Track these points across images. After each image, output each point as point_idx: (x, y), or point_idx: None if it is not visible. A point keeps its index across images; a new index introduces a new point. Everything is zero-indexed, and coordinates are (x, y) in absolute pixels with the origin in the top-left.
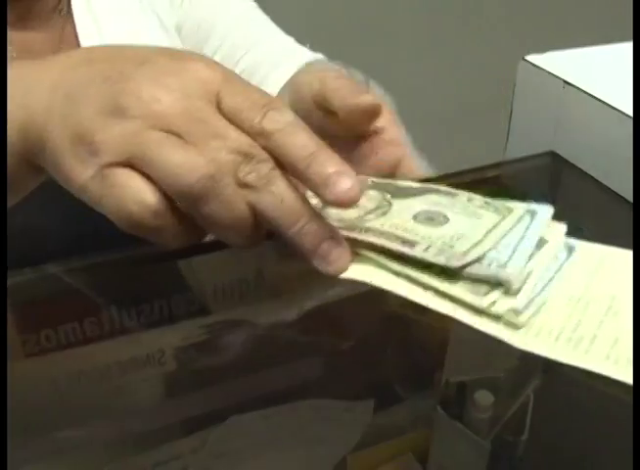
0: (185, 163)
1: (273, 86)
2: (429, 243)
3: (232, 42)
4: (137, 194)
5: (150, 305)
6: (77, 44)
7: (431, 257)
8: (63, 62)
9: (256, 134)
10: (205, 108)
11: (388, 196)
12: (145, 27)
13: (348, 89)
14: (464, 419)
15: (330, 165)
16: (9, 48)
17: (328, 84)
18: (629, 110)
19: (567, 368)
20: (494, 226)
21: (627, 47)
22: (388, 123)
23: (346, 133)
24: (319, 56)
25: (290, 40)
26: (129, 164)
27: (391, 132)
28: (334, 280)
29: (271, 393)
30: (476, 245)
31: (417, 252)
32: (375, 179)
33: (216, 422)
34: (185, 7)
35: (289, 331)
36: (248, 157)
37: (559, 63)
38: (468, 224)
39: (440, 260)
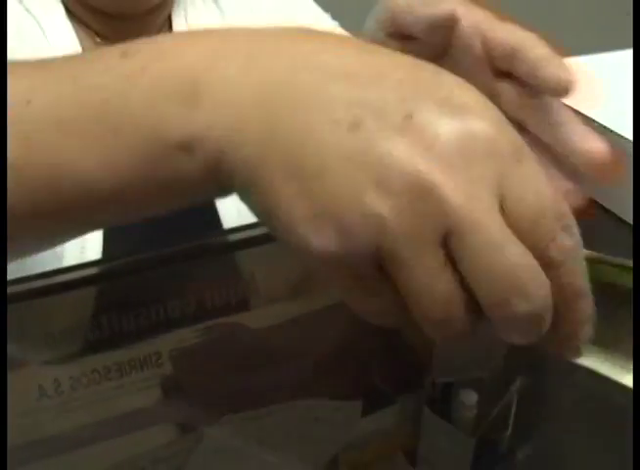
0: (440, 294)
1: None
2: None
3: None
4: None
5: (147, 308)
6: None
7: None
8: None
9: (538, 258)
10: (491, 209)
11: None
12: None
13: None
14: (450, 417)
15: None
16: None
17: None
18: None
19: (549, 367)
20: None
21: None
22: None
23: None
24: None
25: None
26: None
27: (468, 18)
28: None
29: (263, 393)
30: None
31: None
32: None
33: (210, 422)
34: None
35: (281, 333)
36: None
37: None
38: None
39: None
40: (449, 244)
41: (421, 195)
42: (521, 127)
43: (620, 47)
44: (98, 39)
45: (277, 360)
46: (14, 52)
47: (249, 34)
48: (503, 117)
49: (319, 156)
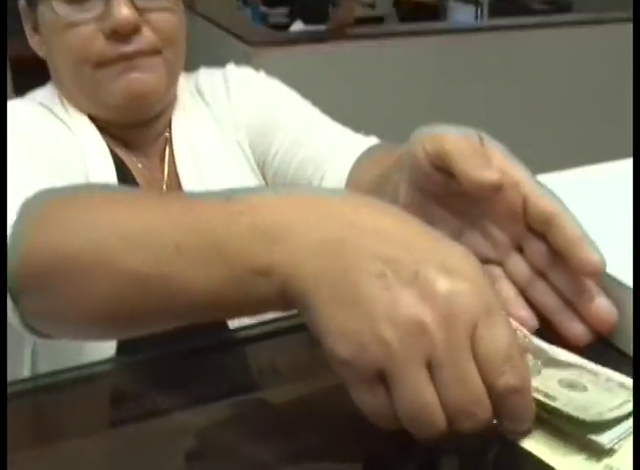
0: (424, 405)
1: (338, 165)
2: (568, 401)
3: (294, 137)
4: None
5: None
6: (175, 166)
7: (570, 410)
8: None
9: (489, 387)
10: (464, 348)
11: (539, 363)
12: (232, 162)
13: (470, 158)
14: None
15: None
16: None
17: (445, 145)
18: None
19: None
20: (623, 402)
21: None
22: (504, 169)
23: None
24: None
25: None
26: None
27: (509, 176)
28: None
29: (276, 461)
30: (610, 410)
31: (558, 404)
32: (534, 341)
33: None
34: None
35: (298, 407)
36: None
37: None
38: (604, 396)
39: (578, 415)
40: (432, 368)
41: (417, 331)
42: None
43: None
44: (113, 142)
45: (294, 432)
46: (56, 157)
47: (312, 200)
48: (483, 279)
49: (354, 292)
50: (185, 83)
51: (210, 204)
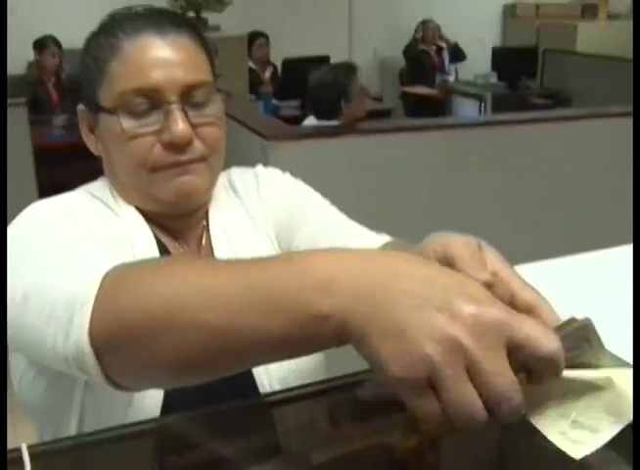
0: (468, 402)
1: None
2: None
3: (313, 234)
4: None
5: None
6: (211, 250)
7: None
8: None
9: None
10: (496, 346)
11: None
12: (262, 249)
13: (469, 261)
14: None
15: None
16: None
17: (451, 249)
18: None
19: None
20: None
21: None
22: (496, 269)
23: None
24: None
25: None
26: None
27: (500, 275)
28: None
29: None
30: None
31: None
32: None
33: None
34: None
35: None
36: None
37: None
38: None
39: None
40: (470, 372)
41: (453, 344)
42: None
43: None
44: (156, 229)
45: None
46: (108, 240)
47: (358, 254)
48: (499, 304)
49: (398, 322)
50: (220, 181)
51: (273, 262)
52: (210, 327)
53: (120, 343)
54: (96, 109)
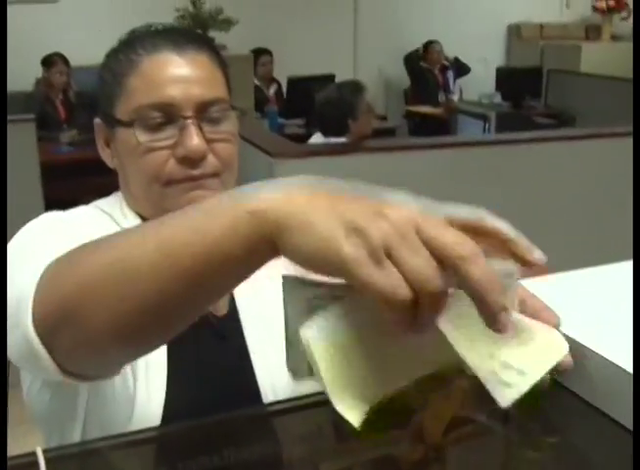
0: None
1: None
2: None
3: None
4: (400, 282)
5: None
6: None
7: None
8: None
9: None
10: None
11: None
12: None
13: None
14: None
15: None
16: None
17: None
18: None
19: None
20: None
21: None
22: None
23: None
24: None
25: None
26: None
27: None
28: None
29: None
30: None
31: None
32: None
33: None
34: None
35: None
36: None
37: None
38: None
39: None
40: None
41: (404, 215)
42: None
43: None
44: None
45: None
46: None
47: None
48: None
49: (344, 208)
50: None
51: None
52: (148, 267)
53: (63, 317)
54: (112, 122)
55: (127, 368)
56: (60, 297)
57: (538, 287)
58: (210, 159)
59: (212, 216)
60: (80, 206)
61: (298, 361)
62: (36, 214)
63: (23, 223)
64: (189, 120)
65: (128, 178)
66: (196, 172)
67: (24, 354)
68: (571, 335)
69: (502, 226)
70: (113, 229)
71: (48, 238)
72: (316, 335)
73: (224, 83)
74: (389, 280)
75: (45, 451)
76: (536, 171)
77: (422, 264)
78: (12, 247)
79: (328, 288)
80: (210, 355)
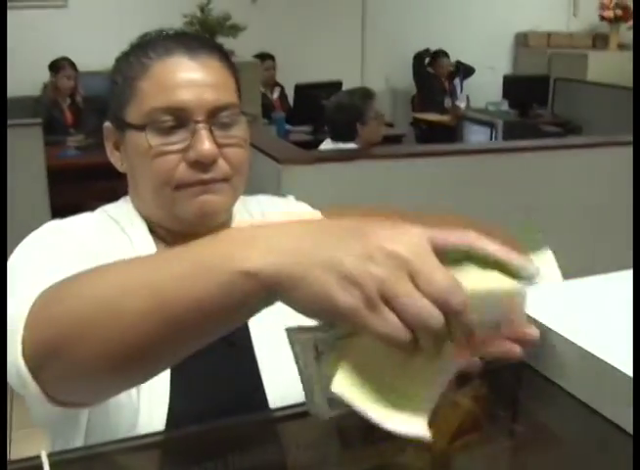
0: (423, 307)
1: None
2: None
3: None
4: (398, 325)
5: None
6: None
7: None
8: (294, 225)
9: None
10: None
11: None
12: None
13: None
14: None
15: None
16: None
17: None
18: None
19: None
20: None
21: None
22: None
23: None
24: None
25: None
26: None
27: None
28: None
29: None
30: None
31: None
32: None
33: None
34: None
35: None
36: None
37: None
38: None
39: None
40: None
41: (392, 256)
42: None
43: None
44: (163, 247)
45: None
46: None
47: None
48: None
49: (334, 258)
50: (241, 204)
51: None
52: (139, 314)
53: (52, 353)
54: (123, 125)
55: None
56: (48, 335)
57: (543, 294)
58: (221, 163)
59: (207, 271)
60: (86, 212)
61: (319, 403)
62: (43, 218)
63: (30, 227)
64: (200, 125)
65: (138, 182)
66: (206, 176)
67: (14, 380)
68: (573, 340)
69: (490, 249)
70: (118, 237)
71: (43, 259)
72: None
73: (235, 89)
74: (388, 325)
75: (50, 455)
76: (543, 179)
77: (417, 307)
78: (10, 264)
79: (330, 329)
80: (218, 362)
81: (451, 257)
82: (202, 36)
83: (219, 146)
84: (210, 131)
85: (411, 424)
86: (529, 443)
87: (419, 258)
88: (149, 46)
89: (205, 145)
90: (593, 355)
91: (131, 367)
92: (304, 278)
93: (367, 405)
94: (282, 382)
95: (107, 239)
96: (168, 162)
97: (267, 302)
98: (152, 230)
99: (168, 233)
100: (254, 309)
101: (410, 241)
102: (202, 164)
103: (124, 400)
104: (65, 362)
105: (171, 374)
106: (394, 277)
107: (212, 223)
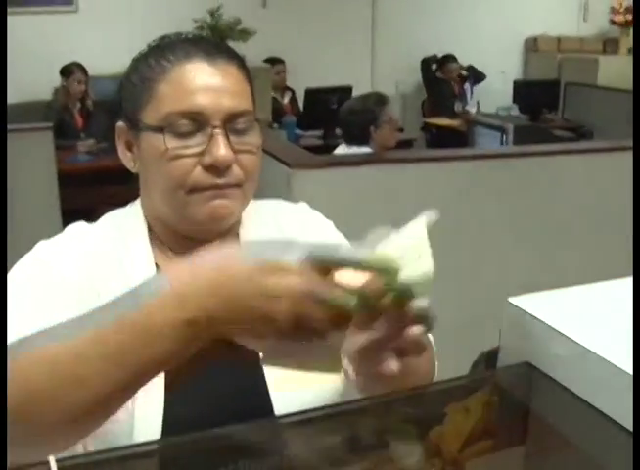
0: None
1: None
2: None
3: None
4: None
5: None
6: None
7: None
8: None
9: None
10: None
11: None
12: None
13: None
14: None
15: None
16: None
17: None
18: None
19: None
20: None
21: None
22: None
23: None
24: None
25: None
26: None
27: None
28: None
29: None
30: None
31: None
32: None
33: None
34: None
35: None
36: None
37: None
38: None
39: None
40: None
41: (298, 294)
42: None
43: None
44: (171, 253)
45: None
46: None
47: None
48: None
49: (263, 293)
50: (252, 209)
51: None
52: (96, 376)
53: (11, 417)
54: (139, 126)
55: None
56: (8, 399)
57: (558, 299)
58: (235, 169)
59: (156, 327)
60: (87, 225)
61: None
62: (53, 222)
63: (41, 231)
64: (218, 130)
65: (150, 183)
66: (220, 181)
67: None
68: (586, 345)
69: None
70: (113, 257)
71: (22, 298)
72: None
73: (250, 95)
74: (306, 334)
75: (58, 461)
76: (554, 184)
77: (324, 321)
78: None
79: None
80: (218, 368)
81: None
82: (220, 42)
83: (234, 152)
84: (227, 137)
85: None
86: (542, 449)
87: (311, 292)
88: (168, 49)
89: (222, 150)
90: (605, 361)
91: (92, 417)
92: (233, 323)
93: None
94: (288, 388)
95: (96, 266)
96: (184, 165)
97: (209, 338)
98: (155, 238)
99: (173, 239)
100: (199, 345)
101: (307, 275)
102: (217, 169)
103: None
104: (25, 426)
105: (166, 379)
106: (300, 308)
107: (221, 227)
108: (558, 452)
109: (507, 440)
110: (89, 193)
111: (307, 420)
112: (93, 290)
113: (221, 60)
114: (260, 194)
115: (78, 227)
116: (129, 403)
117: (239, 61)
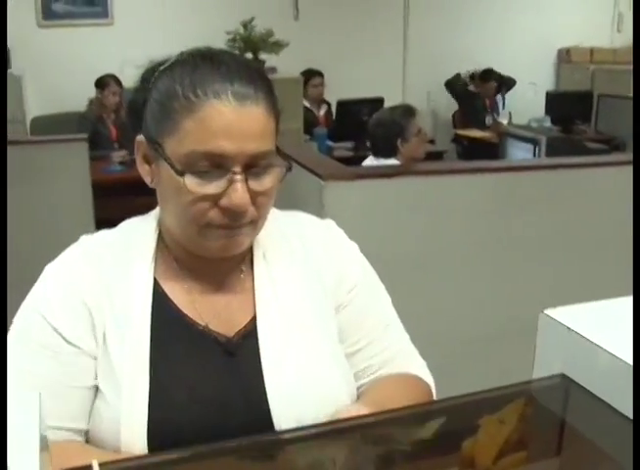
0: None
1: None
2: None
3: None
4: None
5: None
6: (253, 293)
7: None
8: None
9: None
10: None
11: None
12: (310, 297)
13: None
14: None
15: None
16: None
17: None
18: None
19: None
20: None
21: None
22: None
23: None
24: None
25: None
26: None
27: None
28: None
29: None
30: None
31: None
32: None
33: None
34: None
35: None
36: None
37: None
38: None
39: None
40: None
41: None
42: None
43: None
44: (175, 265)
45: None
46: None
47: None
48: None
49: None
50: (274, 223)
51: None
52: None
53: None
54: (158, 151)
55: (112, 386)
56: None
57: (592, 312)
58: (250, 209)
59: None
60: (95, 235)
61: None
62: (87, 231)
63: (75, 240)
64: (238, 176)
65: (165, 206)
66: (235, 223)
67: None
68: (620, 357)
69: None
70: (119, 261)
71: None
72: None
73: (274, 133)
74: None
75: (101, 465)
76: (588, 197)
77: None
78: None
79: None
80: (211, 373)
81: None
82: (249, 72)
83: (252, 194)
84: (246, 181)
85: None
86: (576, 461)
87: None
88: (199, 84)
89: (240, 196)
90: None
91: None
92: None
93: None
94: (287, 394)
95: (105, 268)
96: (202, 205)
97: None
98: (162, 248)
99: (181, 252)
100: None
101: None
102: (233, 212)
103: (108, 410)
104: None
105: (150, 384)
106: None
107: (231, 256)
108: (593, 465)
109: (541, 451)
110: (122, 203)
111: (311, 436)
112: (104, 291)
113: (250, 100)
114: (292, 205)
115: (83, 240)
116: (116, 404)
117: (267, 95)
